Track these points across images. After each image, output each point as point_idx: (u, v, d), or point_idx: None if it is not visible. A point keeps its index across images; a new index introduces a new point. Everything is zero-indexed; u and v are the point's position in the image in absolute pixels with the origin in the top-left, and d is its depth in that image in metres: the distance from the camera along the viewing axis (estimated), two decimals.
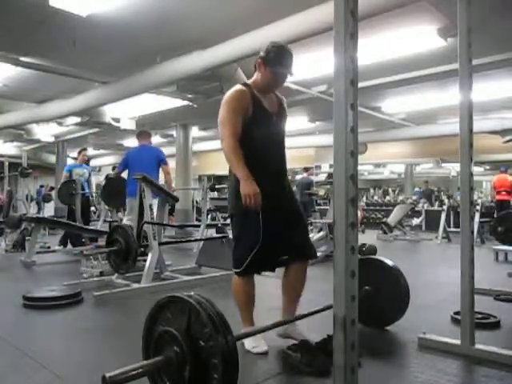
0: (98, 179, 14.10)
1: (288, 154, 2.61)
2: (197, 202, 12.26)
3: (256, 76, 2.47)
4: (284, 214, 2.41)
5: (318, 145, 12.41)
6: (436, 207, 12.04)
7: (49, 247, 6.77)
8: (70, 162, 12.37)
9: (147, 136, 5.39)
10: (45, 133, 10.61)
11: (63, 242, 6.59)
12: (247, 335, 2.25)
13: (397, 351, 2.52)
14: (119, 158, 5.86)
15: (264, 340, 2.42)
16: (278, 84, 2.49)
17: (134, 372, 1.52)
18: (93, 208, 9.26)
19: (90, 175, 7.16)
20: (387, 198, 16.34)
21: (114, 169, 10.02)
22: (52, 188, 12.57)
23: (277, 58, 2.37)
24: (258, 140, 2.37)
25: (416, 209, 11.08)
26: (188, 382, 1.56)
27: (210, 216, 9.74)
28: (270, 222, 2.31)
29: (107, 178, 5.70)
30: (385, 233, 9.31)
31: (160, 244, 4.34)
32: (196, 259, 5.15)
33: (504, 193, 9.46)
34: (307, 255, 2.54)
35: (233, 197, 2.39)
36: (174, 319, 1.68)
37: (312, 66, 6.02)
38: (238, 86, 2.43)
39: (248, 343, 2.38)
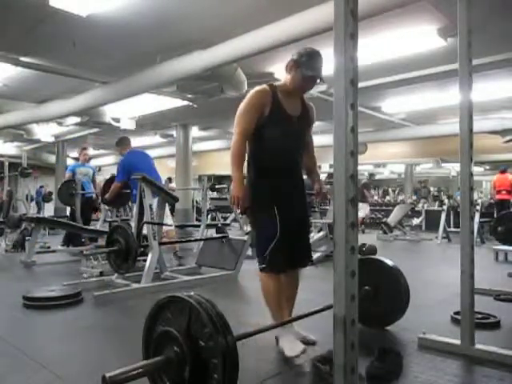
0: (98, 179, 14.05)
1: None
2: (197, 201, 12.25)
3: (285, 78, 2.52)
4: (295, 214, 2.45)
5: (318, 145, 12.35)
6: (436, 207, 12.04)
7: (49, 247, 6.76)
8: (69, 162, 12.36)
9: (130, 141, 5.47)
10: (45, 133, 10.58)
11: (66, 242, 6.58)
12: (247, 335, 2.24)
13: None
14: (119, 158, 5.81)
15: (296, 338, 2.38)
16: (306, 87, 2.54)
17: (134, 372, 1.53)
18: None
19: (94, 174, 7.15)
20: (387, 198, 16.36)
21: (98, 169, 9.88)
22: (50, 193, 12.47)
23: (309, 61, 2.42)
24: (273, 139, 2.41)
25: (416, 209, 11.08)
26: (188, 382, 1.56)
27: (210, 216, 9.73)
28: (284, 219, 2.36)
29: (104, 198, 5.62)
30: (385, 233, 9.31)
31: (160, 244, 4.34)
32: (196, 259, 5.16)
33: (504, 192, 9.50)
34: (306, 262, 2.57)
35: (251, 189, 2.43)
36: (174, 319, 1.68)
37: None
38: (262, 86, 2.49)
39: (286, 348, 2.33)
